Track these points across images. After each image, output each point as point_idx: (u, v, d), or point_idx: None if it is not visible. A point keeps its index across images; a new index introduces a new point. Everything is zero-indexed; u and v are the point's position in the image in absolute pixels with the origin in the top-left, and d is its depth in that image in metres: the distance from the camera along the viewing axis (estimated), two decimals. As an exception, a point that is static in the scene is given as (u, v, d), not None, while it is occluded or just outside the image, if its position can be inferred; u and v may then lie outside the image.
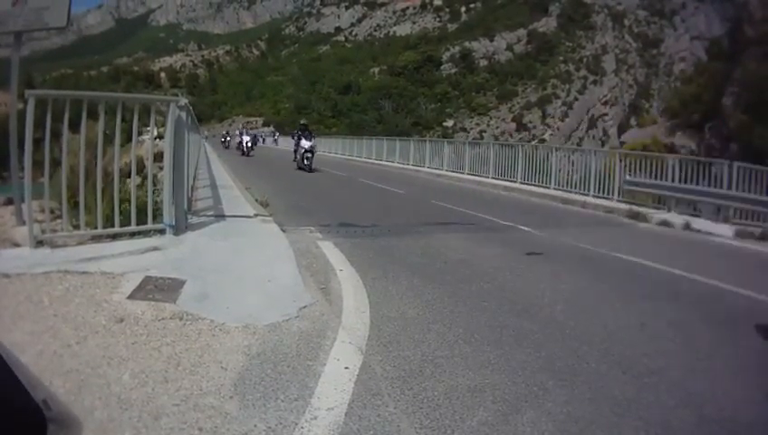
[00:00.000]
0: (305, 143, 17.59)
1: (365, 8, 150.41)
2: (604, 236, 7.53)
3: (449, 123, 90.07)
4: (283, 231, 6.02)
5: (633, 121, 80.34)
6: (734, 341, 3.59)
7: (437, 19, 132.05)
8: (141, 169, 6.02)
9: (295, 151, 19.08)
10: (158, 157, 5.79)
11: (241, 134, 28.69)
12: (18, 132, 4.54)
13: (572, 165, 13.66)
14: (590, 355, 3.10)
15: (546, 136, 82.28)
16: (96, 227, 4.57)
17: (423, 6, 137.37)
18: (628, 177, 10.97)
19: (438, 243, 6.26)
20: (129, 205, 4.77)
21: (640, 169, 11.07)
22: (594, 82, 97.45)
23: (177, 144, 5.17)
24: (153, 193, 5.07)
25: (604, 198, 11.34)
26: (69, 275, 3.57)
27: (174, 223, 5.03)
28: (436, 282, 4.51)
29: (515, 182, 14.06)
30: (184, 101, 5.43)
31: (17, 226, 4.70)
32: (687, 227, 8.83)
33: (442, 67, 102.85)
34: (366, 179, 15.08)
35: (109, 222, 4.65)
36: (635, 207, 10.13)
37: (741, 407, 2.58)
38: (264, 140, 60.54)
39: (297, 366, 2.65)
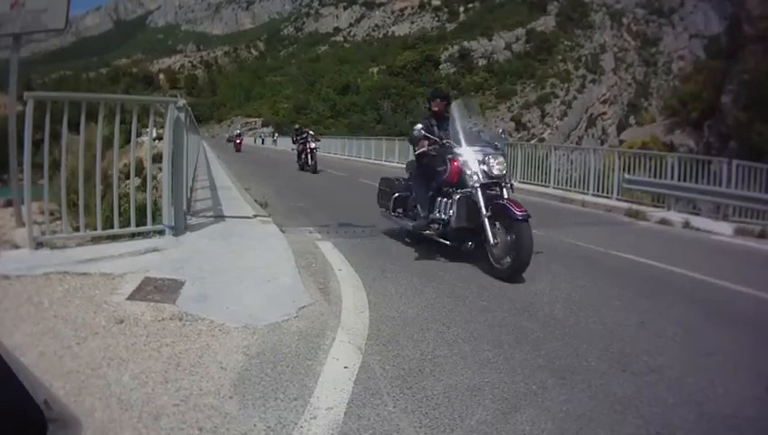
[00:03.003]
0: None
1: (363, 8, 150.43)
2: (603, 235, 7.54)
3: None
4: (283, 232, 6.03)
5: (632, 120, 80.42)
6: (735, 338, 3.60)
7: (436, 19, 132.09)
8: (141, 170, 6.02)
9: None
10: (158, 158, 5.79)
11: (301, 135, 18.39)
12: (17, 134, 4.54)
13: (571, 164, 13.68)
14: (590, 353, 3.11)
15: (545, 135, 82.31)
16: (95, 229, 4.58)
17: (421, 6, 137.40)
18: (627, 175, 10.98)
19: (438, 242, 6.24)
20: (129, 206, 4.78)
21: (639, 168, 11.09)
22: (593, 81, 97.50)
23: (175, 145, 5.18)
24: (152, 194, 5.07)
25: (603, 196, 11.36)
26: (69, 277, 3.57)
27: (173, 224, 5.03)
28: (435, 281, 4.52)
29: (515, 181, 14.05)
30: (182, 101, 5.43)
31: (17, 227, 4.70)
32: (687, 225, 8.84)
33: (441, 67, 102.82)
34: (364, 179, 15.08)
35: (108, 223, 4.65)
36: (634, 206, 10.15)
37: (741, 405, 2.58)
38: (263, 140, 60.76)
39: (296, 366, 2.65)
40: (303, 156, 17.70)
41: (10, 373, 0.68)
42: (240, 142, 37.71)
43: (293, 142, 20.04)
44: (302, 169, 17.63)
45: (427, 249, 5.55)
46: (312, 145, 17.28)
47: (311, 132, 18.34)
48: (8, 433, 0.64)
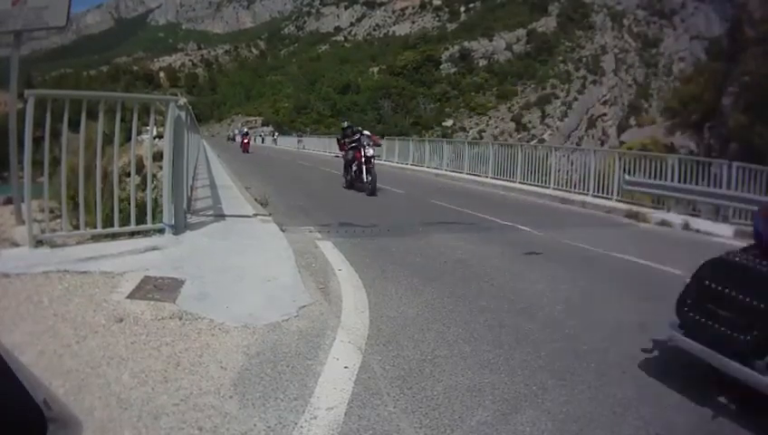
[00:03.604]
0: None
1: (364, 8, 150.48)
2: (603, 236, 7.53)
3: (448, 123, 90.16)
4: (283, 231, 6.02)
5: (632, 121, 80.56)
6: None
7: (437, 19, 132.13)
8: (141, 168, 6.01)
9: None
10: (158, 156, 5.79)
11: (352, 137, 12.61)
12: (18, 132, 4.53)
13: (572, 165, 13.68)
14: (590, 355, 3.10)
15: (545, 136, 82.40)
16: (95, 227, 4.57)
17: (422, 6, 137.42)
18: (627, 176, 10.98)
19: (438, 242, 6.26)
20: (129, 204, 4.77)
21: (639, 169, 11.08)
22: (593, 82, 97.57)
23: (176, 144, 5.17)
24: (152, 193, 5.07)
25: (603, 197, 11.35)
26: (68, 275, 3.57)
27: (173, 223, 5.02)
28: (436, 282, 4.51)
29: (515, 182, 14.07)
30: (183, 100, 5.42)
31: (17, 225, 4.70)
32: (687, 226, 8.83)
33: (441, 67, 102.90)
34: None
35: (108, 222, 4.64)
36: (634, 207, 10.14)
37: (740, 405, 2.58)
38: (263, 139, 60.78)
39: (296, 366, 2.65)
40: (354, 167, 11.81)
41: (10, 373, 0.67)
42: (248, 143, 33.24)
43: (340, 148, 13.46)
44: (350, 186, 12.05)
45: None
46: (370, 152, 11.37)
47: (365, 132, 12.38)
48: (8, 433, 0.64)
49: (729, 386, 2.62)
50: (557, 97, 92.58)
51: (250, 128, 76.82)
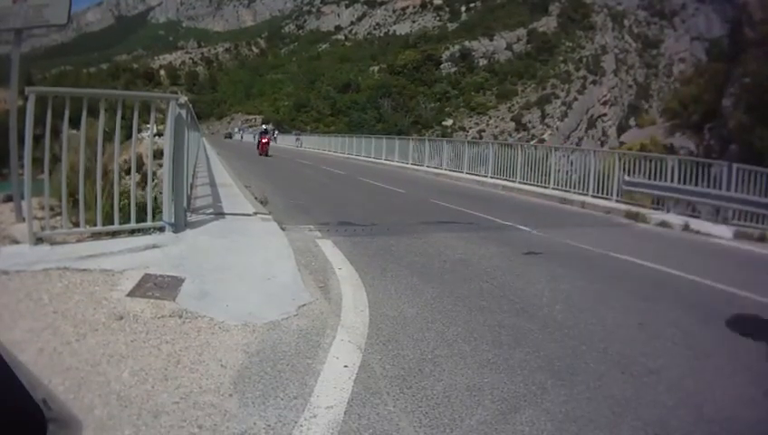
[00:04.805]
0: None
1: (365, 7, 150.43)
2: (603, 237, 7.54)
3: (448, 122, 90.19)
4: (283, 229, 6.02)
5: (632, 122, 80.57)
6: (733, 340, 3.60)
7: (437, 18, 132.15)
8: (141, 166, 6.01)
9: None
10: (158, 154, 5.77)
11: None
12: (18, 129, 4.53)
13: (571, 165, 13.67)
14: (589, 355, 3.10)
15: (545, 136, 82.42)
16: (95, 225, 4.57)
17: (423, 5, 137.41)
18: (626, 177, 10.98)
19: (437, 242, 6.26)
20: (129, 202, 4.77)
21: (639, 170, 11.09)
22: (594, 82, 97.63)
23: (176, 142, 5.16)
24: (153, 191, 5.06)
25: (603, 198, 11.36)
26: (68, 273, 3.56)
27: (173, 221, 5.02)
28: (435, 281, 4.51)
29: (514, 182, 14.07)
30: (184, 98, 5.41)
31: (17, 223, 4.69)
32: (686, 227, 8.84)
33: (441, 66, 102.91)
34: (365, 178, 15.09)
35: (108, 219, 4.64)
36: (633, 208, 10.14)
37: (739, 406, 2.58)
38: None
39: (296, 364, 2.65)
40: None
41: (10, 373, 0.67)
42: (267, 142, 25.88)
43: None
44: None
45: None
46: None
47: None
48: (8, 433, 0.64)
49: None
50: (557, 97, 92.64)
51: (250, 126, 76.19)
